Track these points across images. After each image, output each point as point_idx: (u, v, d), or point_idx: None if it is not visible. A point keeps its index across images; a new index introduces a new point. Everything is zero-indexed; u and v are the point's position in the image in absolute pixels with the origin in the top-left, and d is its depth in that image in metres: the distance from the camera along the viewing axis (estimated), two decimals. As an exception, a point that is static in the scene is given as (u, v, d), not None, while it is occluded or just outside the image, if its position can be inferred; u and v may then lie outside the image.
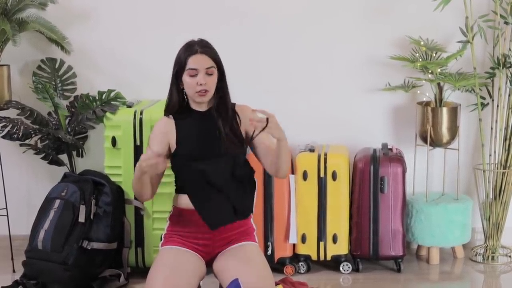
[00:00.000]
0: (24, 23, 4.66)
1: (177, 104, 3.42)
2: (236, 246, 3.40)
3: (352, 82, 4.91)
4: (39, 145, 4.69)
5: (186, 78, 3.35)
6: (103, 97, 4.62)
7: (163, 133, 3.41)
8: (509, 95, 4.71)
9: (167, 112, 3.45)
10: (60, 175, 4.59)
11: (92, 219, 4.32)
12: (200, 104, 3.42)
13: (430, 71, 4.66)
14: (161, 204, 4.42)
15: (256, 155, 3.47)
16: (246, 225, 3.46)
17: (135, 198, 4.46)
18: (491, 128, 4.76)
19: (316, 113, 4.91)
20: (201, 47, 3.37)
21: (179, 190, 3.45)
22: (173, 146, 3.40)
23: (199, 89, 3.33)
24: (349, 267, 4.58)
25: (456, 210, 4.68)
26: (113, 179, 4.47)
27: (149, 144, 3.42)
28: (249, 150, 3.52)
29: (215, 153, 3.35)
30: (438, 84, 4.68)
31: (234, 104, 3.49)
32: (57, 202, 4.34)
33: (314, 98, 4.91)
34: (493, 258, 4.77)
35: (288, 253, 4.56)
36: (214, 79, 3.36)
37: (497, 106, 4.73)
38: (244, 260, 3.33)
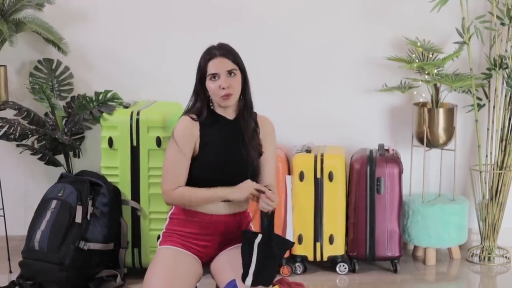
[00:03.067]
0: (21, 23, 4.66)
1: (202, 110, 3.35)
2: (234, 247, 3.40)
3: (348, 83, 4.91)
4: (36, 145, 4.69)
5: (209, 84, 3.30)
6: (100, 97, 4.63)
7: (189, 133, 3.32)
8: (505, 96, 4.71)
9: (189, 112, 3.37)
10: (57, 176, 4.60)
11: (88, 219, 4.32)
12: (226, 109, 3.37)
13: (426, 72, 4.66)
14: (158, 205, 4.42)
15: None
16: (246, 228, 3.46)
17: (131, 198, 4.48)
18: (488, 129, 4.77)
19: (313, 113, 4.91)
20: (220, 50, 3.32)
21: None
22: (195, 151, 3.35)
23: (222, 93, 3.28)
24: (345, 268, 4.59)
25: (452, 211, 4.68)
26: (109, 179, 4.47)
27: (176, 143, 3.32)
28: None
29: (235, 164, 3.33)
30: (435, 85, 4.68)
31: (255, 114, 3.45)
32: (54, 202, 4.35)
33: (310, 98, 4.91)
34: (489, 259, 4.78)
35: (285, 253, 4.56)
36: (237, 80, 3.31)
37: (494, 107, 4.73)
38: (241, 261, 3.33)
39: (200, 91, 3.35)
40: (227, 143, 3.34)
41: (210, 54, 3.32)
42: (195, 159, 3.34)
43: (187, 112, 3.39)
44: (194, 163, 3.35)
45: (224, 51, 3.33)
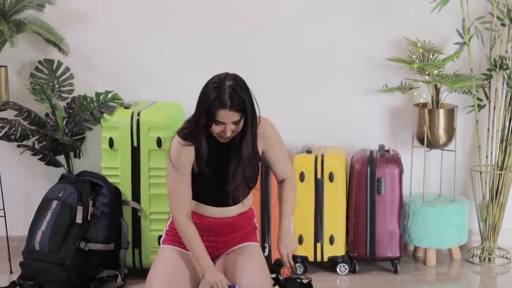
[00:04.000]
0: (22, 24, 4.66)
1: (200, 135, 3.25)
2: (237, 247, 3.40)
3: (349, 83, 4.91)
4: (37, 146, 4.70)
5: (213, 126, 3.22)
6: (101, 98, 4.63)
7: (183, 156, 3.28)
8: (505, 97, 4.71)
9: (184, 134, 3.30)
10: (58, 176, 4.60)
11: (89, 220, 4.33)
12: None
13: (427, 73, 4.67)
14: (159, 205, 4.43)
15: (265, 161, 3.48)
16: (249, 226, 3.47)
17: (131, 199, 4.49)
18: (488, 130, 4.77)
19: (313, 114, 4.91)
20: (231, 99, 3.16)
21: None
22: (194, 168, 3.31)
23: (221, 135, 3.24)
24: (346, 268, 4.59)
25: (453, 212, 4.69)
26: (110, 180, 4.47)
27: (173, 164, 3.28)
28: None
29: (229, 181, 3.31)
30: (435, 85, 4.69)
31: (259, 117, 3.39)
32: (55, 203, 4.35)
33: (311, 99, 4.92)
34: (489, 259, 4.78)
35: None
36: (239, 126, 3.24)
37: (494, 107, 4.74)
38: (243, 261, 3.33)
39: (204, 130, 3.25)
40: (220, 163, 3.32)
41: (221, 102, 3.16)
42: (194, 175, 3.33)
43: (181, 132, 3.31)
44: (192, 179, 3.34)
45: (234, 102, 3.17)
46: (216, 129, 3.22)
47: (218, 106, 3.15)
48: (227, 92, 3.15)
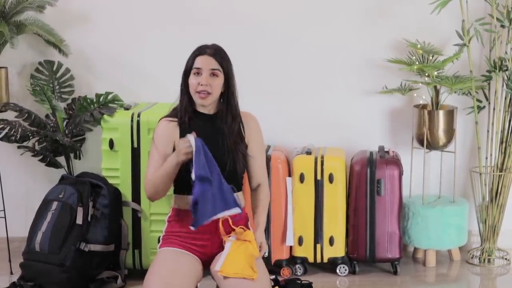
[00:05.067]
0: (22, 25, 4.67)
1: (184, 108, 3.42)
2: (234, 247, 3.42)
3: (349, 84, 4.92)
4: (37, 147, 4.70)
5: (191, 79, 3.39)
6: (101, 99, 4.64)
7: (166, 136, 3.40)
8: (505, 98, 4.72)
9: (170, 115, 3.45)
10: (58, 177, 4.60)
11: (89, 221, 4.33)
12: (207, 107, 3.43)
13: (426, 74, 4.67)
14: (159, 206, 4.43)
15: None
16: (244, 226, 3.47)
17: (132, 200, 4.49)
18: (488, 131, 4.77)
19: (313, 115, 4.92)
20: (210, 49, 3.41)
21: (177, 191, 3.46)
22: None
23: (200, 89, 3.35)
24: (345, 270, 4.59)
25: (452, 213, 4.69)
26: (110, 181, 4.48)
27: (155, 144, 3.41)
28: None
29: (216, 158, 3.35)
30: (435, 87, 4.69)
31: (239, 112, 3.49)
32: (55, 204, 4.35)
33: (311, 100, 4.92)
34: (489, 260, 4.78)
35: (285, 255, 4.57)
36: (218, 82, 3.37)
37: (494, 109, 4.74)
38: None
39: (184, 88, 3.43)
40: (207, 138, 3.35)
41: (200, 50, 3.41)
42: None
43: (170, 113, 3.47)
44: None
45: (214, 50, 3.40)
46: (193, 82, 3.36)
47: (197, 54, 3.39)
48: (208, 46, 3.46)
